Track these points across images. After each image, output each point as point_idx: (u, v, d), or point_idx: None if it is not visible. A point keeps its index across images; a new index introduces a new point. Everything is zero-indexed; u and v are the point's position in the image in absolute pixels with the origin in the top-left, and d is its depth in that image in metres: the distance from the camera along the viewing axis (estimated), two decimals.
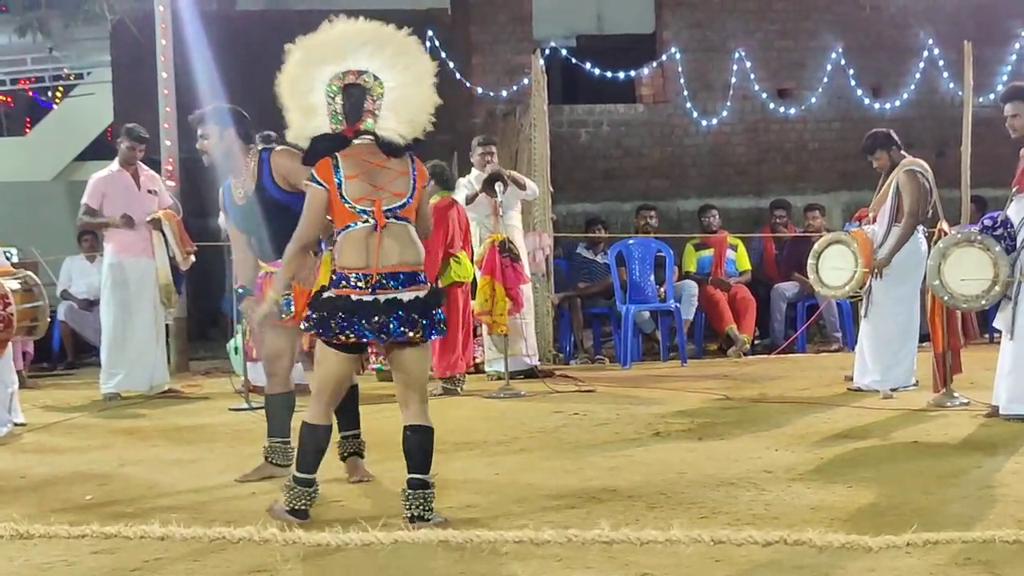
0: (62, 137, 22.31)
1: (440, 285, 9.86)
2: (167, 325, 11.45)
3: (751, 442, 7.85)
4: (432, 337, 5.80)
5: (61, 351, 14.18)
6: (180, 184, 12.64)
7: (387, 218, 5.66)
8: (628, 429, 8.48)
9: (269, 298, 6.19)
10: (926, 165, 9.91)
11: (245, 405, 9.89)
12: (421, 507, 5.66)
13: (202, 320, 14.63)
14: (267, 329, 6.82)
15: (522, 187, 11.33)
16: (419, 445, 5.77)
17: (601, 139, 15.64)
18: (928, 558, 4.90)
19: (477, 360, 11.86)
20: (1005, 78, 15.27)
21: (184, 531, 5.58)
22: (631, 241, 13.40)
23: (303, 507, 5.78)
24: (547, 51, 14.38)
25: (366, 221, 5.64)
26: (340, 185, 5.65)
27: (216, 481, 6.99)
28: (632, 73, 15.67)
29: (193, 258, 11.11)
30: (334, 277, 5.72)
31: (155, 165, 11.89)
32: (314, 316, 5.67)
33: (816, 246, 9.98)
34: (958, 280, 8.31)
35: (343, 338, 5.62)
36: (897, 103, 15.64)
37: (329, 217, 5.82)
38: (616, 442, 8.00)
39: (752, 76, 15.68)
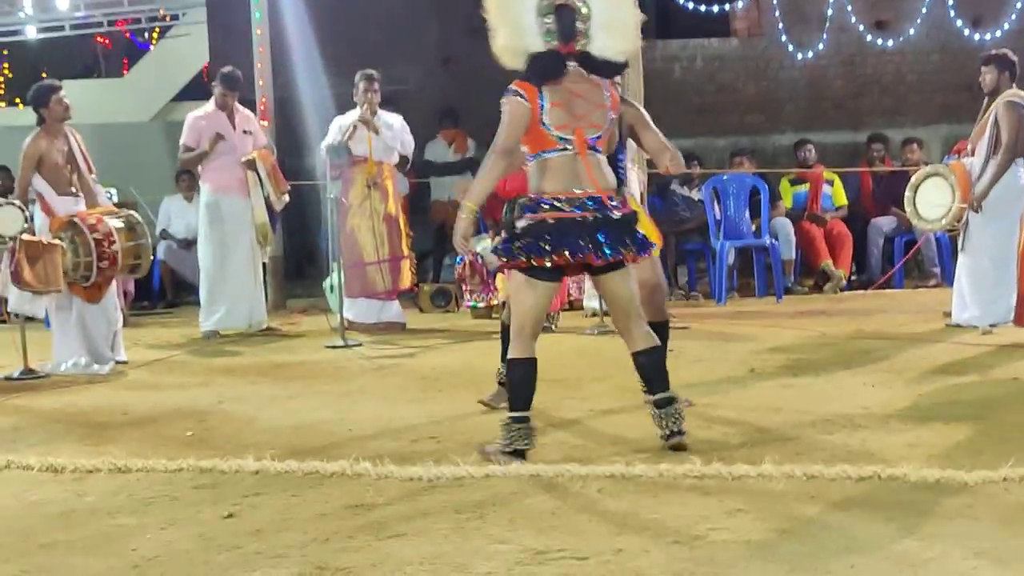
0: (159, 78, 22.44)
1: None
2: (264, 264, 11.56)
3: (847, 378, 7.81)
4: (643, 255, 5.82)
5: (161, 290, 14.40)
6: (274, 124, 12.72)
7: (587, 147, 5.70)
8: (723, 366, 8.46)
9: (464, 207, 5.82)
10: None
11: (341, 342, 9.99)
12: (675, 423, 5.78)
13: (299, 258, 14.77)
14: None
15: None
16: (655, 366, 5.88)
17: (695, 74, 15.51)
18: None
19: (572, 298, 11.88)
20: None
21: (277, 465, 5.67)
22: (725, 177, 13.31)
23: (524, 446, 5.66)
24: None
25: (564, 149, 5.68)
26: (543, 109, 5.67)
27: (314, 417, 7.08)
28: (726, 6, 15.50)
29: (287, 198, 11.20)
30: (529, 204, 5.71)
31: (250, 105, 11.97)
32: (512, 246, 5.67)
33: (913, 179, 9.87)
34: None
35: (556, 258, 5.57)
36: (998, 33, 15.31)
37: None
38: (711, 379, 7.98)
39: (849, 8, 15.43)
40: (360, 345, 10.06)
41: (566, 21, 5.69)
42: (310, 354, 9.76)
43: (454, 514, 4.85)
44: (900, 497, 4.88)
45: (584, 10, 5.71)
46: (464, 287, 11.86)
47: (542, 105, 5.66)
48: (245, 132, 11.12)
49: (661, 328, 6.67)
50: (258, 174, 10.88)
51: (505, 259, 5.73)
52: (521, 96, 5.68)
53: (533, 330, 5.76)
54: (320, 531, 4.68)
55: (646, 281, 6.65)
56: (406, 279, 11.31)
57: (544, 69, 5.70)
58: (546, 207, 5.64)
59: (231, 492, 5.33)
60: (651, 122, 6.41)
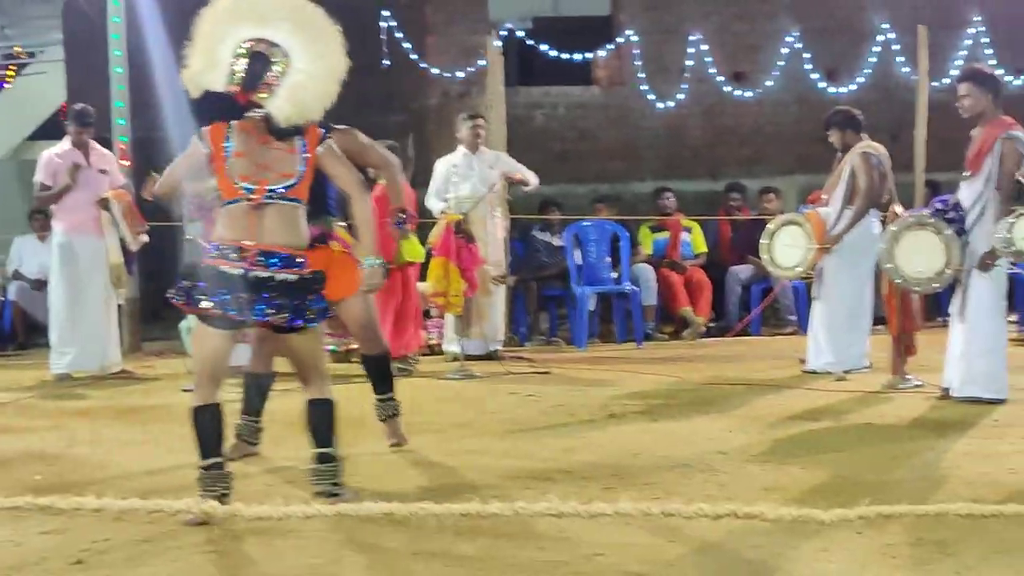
0: (13, 116, 22.04)
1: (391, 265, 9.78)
2: (119, 305, 11.34)
3: (705, 423, 7.87)
4: (300, 325, 5.57)
5: (12, 332, 14.07)
6: (134, 164, 12.52)
7: (272, 199, 5.52)
8: (583, 410, 8.47)
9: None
10: (882, 149, 9.93)
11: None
12: (329, 481, 5.66)
13: (155, 300, 14.46)
14: None
15: (524, 184, 11.45)
16: (321, 417, 5.75)
17: (557, 121, 15.61)
18: (881, 537, 4.92)
19: (432, 342, 11.85)
20: (959, 63, 15.30)
21: (121, 504, 5.52)
22: (586, 223, 13.40)
23: (222, 492, 5.50)
24: (503, 33, 14.32)
25: (249, 199, 5.51)
26: (227, 159, 5.55)
27: (167, 462, 6.93)
28: (588, 55, 15.63)
29: (145, 238, 11.00)
30: (209, 248, 5.57)
31: (107, 144, 11.77)
32: (181, 285, 5.53)
33: (769, 226, 9.99)
34: (911, 263, 8.34)
35: (204, 307, 5.43)
36: (852, 87, 15.65)
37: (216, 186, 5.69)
38: (570, 423, 7.99)
39: (708, 59, 15.66)
40: None
41: (256, 69, 5.47)
42: (166, 397, 9.57)
43: (309, 560, 4.77)
44: (758, 541, 4.91)
45: (278, 67, 5.49)
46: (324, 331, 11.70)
47: (227, 155, 5.55)
48: (101, 171, 10.93)
49: (381, 359, 6.88)
50: (112, 214, 10.68)
51: (170, 295, 5.61)
52: (203, 141, 5.60)
53: (210, 377, 5.59)
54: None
55: (357, 318, 6.86)
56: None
57: (212, 111, 5.55)
58: (214, 254, 5.49)
59: (79, 538, 5.19)
60: (367, 145, 6.42)
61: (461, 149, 11.44)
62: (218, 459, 5.57)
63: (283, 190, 5.57)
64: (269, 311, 5.47)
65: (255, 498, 5.62)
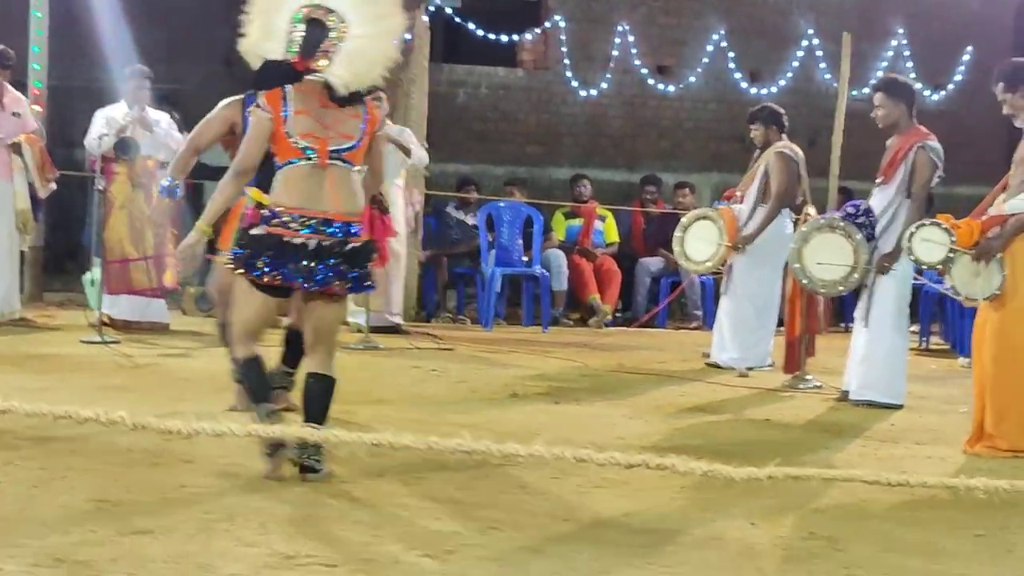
0: None
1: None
2: (22, 252, 11.17)
3: (606, 409, 7.92)
4: (358, 292, 5.74)
5: None
6: (48, 111, 12.34)
7: (332, 159, 5.52)
8: (485, 389, 8.50)
9: (198, 227, 5.75)
10: (799, 150, 10.03)
11: (98, 338, 9.72)
12: (313, 456, 5.47)
13: (60, 251, 14.31)
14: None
15: (407, 153, 11.24)
16: (319, 394, 5.65)
17: (479, 101, 15.57)
18: (774, 530, 4.98)
19: None
20: (880, 73, 15.47)
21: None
22: (501, 204, 13.41)
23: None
24: (431, 9, 14.26)
25: (309, 159, 5.49)
26: (286, 118, 5.50)
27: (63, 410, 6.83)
28: (515, 37, 15.62)
29: (54, 186, 10.85)
30: (266, 213, 5.53)
31: (21, 88, 11.58)
32: (240, 253, 5.51)
33: (683, 220, 10.05)
34: (818, 264, 8.43)
35: (267, 279, 5.44)
36: (774, 89, 15.76)
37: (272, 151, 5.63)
38: (472, 400, 8.01)
39: (633, 51, 15.70)
40: (118, 343, 9.79)
41: (313, 36, 5.50)
42: (64, 348, 9.46)
43: (202, 515, 4.74)
44: (654, 525, 4.96)
45: (335, 33, 5.51)
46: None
47: (285, 114, 5.51)
48: (14, 114, 10.74)
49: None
50: (23, 159, 10.51)
51: (230, 264, 5.64)
52: (262, 107, 5.56)
53: (252, 337, 5.67)
54: (62, 523, 4.53)
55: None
56: (169, 276, 11.06)
57: (271, 79, 5.56)
58: (277, 222, 5.47)
59: None
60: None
61: None
62: (270, 404, 5.59)
63: (345, 151, 5.56)
64: (333, 279, 5.47)
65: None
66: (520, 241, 13.25)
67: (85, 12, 13.91)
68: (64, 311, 11.79)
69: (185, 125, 13.12)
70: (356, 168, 5.68)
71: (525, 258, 13.22)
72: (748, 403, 8.54)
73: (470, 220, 13.54)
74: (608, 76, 15.64)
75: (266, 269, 5.43)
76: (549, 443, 6.41)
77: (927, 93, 15.81)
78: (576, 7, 15.68)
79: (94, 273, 10.75)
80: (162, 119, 11.08)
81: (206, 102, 14.42)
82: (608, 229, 14.17)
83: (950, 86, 16.36)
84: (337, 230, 5.48)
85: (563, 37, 15.53)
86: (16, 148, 10.52)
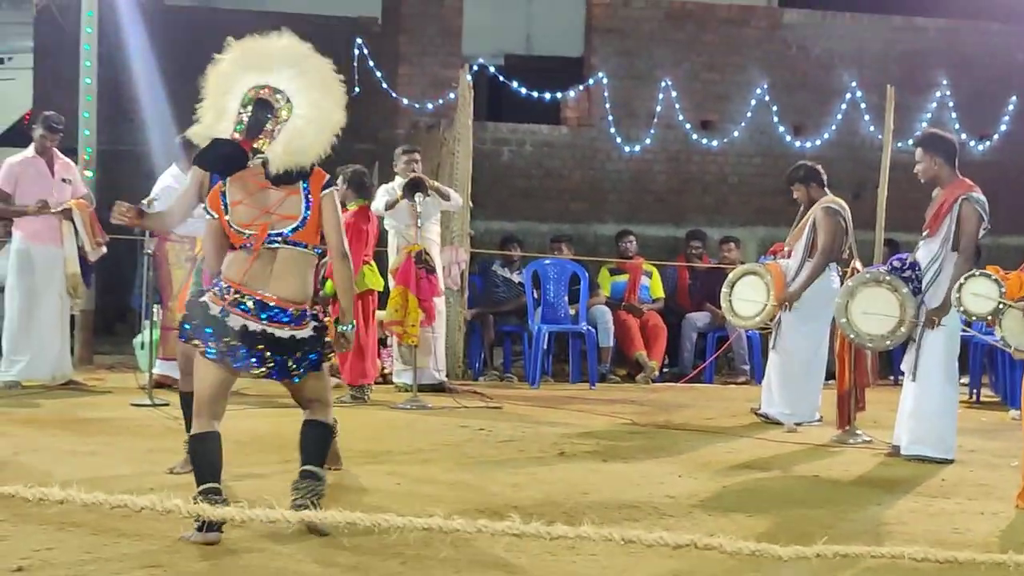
0: None
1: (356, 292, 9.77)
2: (73, 316, 11.29)
3: (654, 467, 7.88)
4: (276, 377, 5.63)
5: None
6: (98, 175, 12.48)
7: (274, 243, 5.56)
8: (533, 447, 8.48)
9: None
10: (844, 204, 10.02)
11: (148, 401, 9.77)
12: (309, 497, 5.54)
13: (109, 314, 14.44)
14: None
15: (445, 197, 11.32)
16: (315, 438, 5.75)
17: (523, 158, 15.64)
18: None
19: (386, 371, 11.83)
20: (924, 124, 15.47)
21: (84, 496, 5.44)
22: (547, 261, 13.43)
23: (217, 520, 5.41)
24: (475, 67, 14.36)
25: (250, 246, 5.56)
26: (227, 211, 5.59)
27: (113, 472, 6.89)
28: (558, 95, 15.69)
29: (104, 249, 10.96)
30: (213, 284, 5.66)
31: (72, 155, 11.73)
32: (187, 325, 5.59)
33: (730, 276, 10.04)
34: (865, 319, 8.39)
35: (192, 345, 5.52)
36: (818, 142, 15.76)
37: None
38: (520, 459, 7.99)
39: (677, 106, 15.75)
40: (167, 404, 9.82)
41: (258, 118, 5.56)
42: (114, 411, 9.52)
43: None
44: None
45: (285, 113, 5.57)
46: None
47: (225, 207, 5.60)
48: (64, 180, 10.88)
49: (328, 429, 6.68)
50: (74, 224, 10.64)
51: (180, 335, 5.68)
52: (209, 214, 5.72)
53: (209, 408, 5.59)
54: None
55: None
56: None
57: (218, 157, 5.60)
58: (214, 291, 5.56)
59: (22, 545, 5.15)
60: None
61: (398, 180, 11.33)
62: (215, 484, 5.51)
63: (288, 233, 5.59)
64: (252, 362, 5.50)
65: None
66: (566, 298, 13.24)
67: (132, 76, 14.10)
68: (114, 374, 11.87)
69: None
70: (309, 249, 5.68)
71: (572, 314, 13.22)
72: (797, 459, 8.49)
73: (516, 278, 13.55)
74: (652, 132, 15.68)
75: (193, 335, 5.51)
76: (598, 504, 6.44)
77: (972, 144, 15.76)
78: (619, 64, 15.74)
79: (143, 336, 10.83)
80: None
81: None
82: (654, 285, 14.15)
83: (995, 136, 16.30)
84: (268, 314, 5.50)
85: (606, 94, 15.59)
86: (67, 214, 10.64)
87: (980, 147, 16.06)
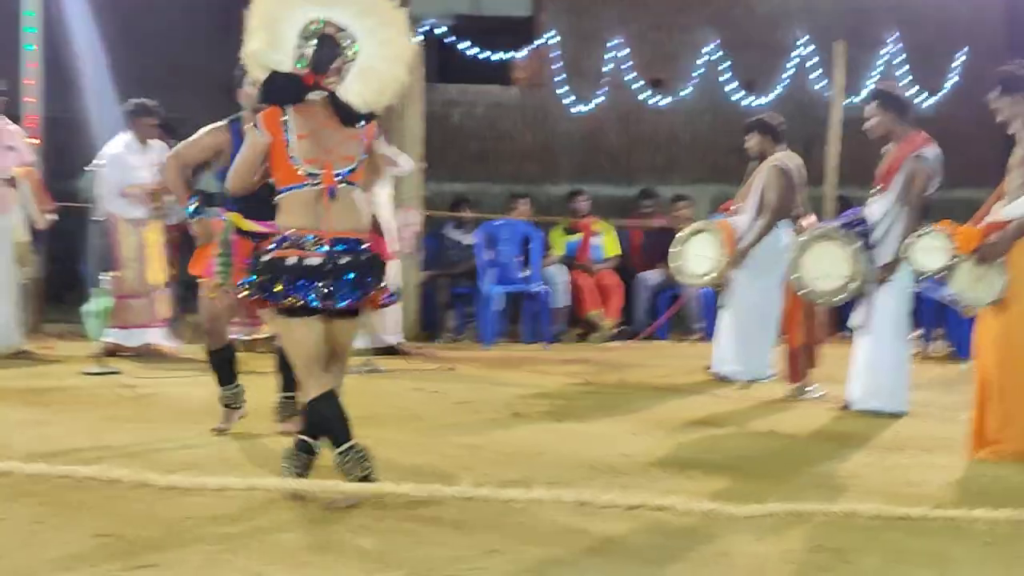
0: None
1: None
2: (22, 285, 11.17)
3: (610, 426, 7.89)
4: (385, 305, 5.70)
5: None
6: (44, 143, 12.33)
7: (337, 183, 5.51)
8: (487, 409, 8.46)
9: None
10: (798, 159, 10.01)
11: (99, 369, 9.70)
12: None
13: (59, 283, 14.29)
14: (205, 291, 6.94)
15: (392, 163, 11.25)
16: (335, 408, 5.59)
17: (474, 120, 15.58)
18: (781, 543, 4.96)
19: None
20: (874, 80, 15.50)
21: (27, 468, 5.43)
22: (499, 222, 13.39)
23: (367, 471, 5.40)
24: (423, 29, 14.27)
25: (315, 184, 5.47)
26: (288, 143, 5.48)
27: (67, 444, 6.81)
28: (508, 56, 15.63)
29: (52, 217, 10.85)
30: (276, 238, 5.50)
31: (17, 121, 11.57)
32: (256, 280, 5.44)
33: (681, 234, 10.03)
34: (817, 274, 8.41)
35: (286, 301, 5.37)
36: (768, 99, 15.78)
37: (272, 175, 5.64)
38: (475, 421, 7.98)
39: (626, 65, 15.71)
40: (119, 372, 9.77)
41: (325, 53, 5.48)
42: (66, 380, 9.43)
43: (208, 547, 4.72)
44: (657, 541, 4.94)
45: (348, 52, 5.51)
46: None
47: (287, 137, 5.48)
48: (9, 148, 10.74)
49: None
50: (20, 192, 10.51)
51: (245, 294, 5.54)
52: (260, 130, 5.52)
53: (316, 366, 5.51)
54: (65, 560, 4.50)
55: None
56: (165, 309, 11.13)
57: (280, 91, 5.50)
58: (287, 244, 5.44)
59: None
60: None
61: None
62: (352, 441, 5.46)
63: (346, 173, 5.54)
64: (356, 294, 5.44)
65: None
66: (519, 258, 13.22)
67: (78, 43, 13.93)
68: (64, 342, 11.76)
69: None
70: (357, 187, 5.65)
71: (525, 275, 13.19)
72: (752, 415, 8.52)
73: (468, 239, 13.52)
74: (602, 91, 15.65)
75: (282, 290, 5.37)
76: (552, 463, 6.44)
77: (922, 98, 15.80)
78: (568, 24, 15.70)
79: (94, 303, 10.72)
80: (162, 148, 11.10)
81: None
82: (607, 243, 14.14)
83: (944, 90, 16.34)
84: (348, 247, 5.46)
85: (556, 54, 15.54)
86: (12, 182, 10.52)
87: (930, 101, 16.10)
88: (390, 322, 11.33)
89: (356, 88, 5.53)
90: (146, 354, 10.82)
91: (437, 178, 14.16)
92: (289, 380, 6.91)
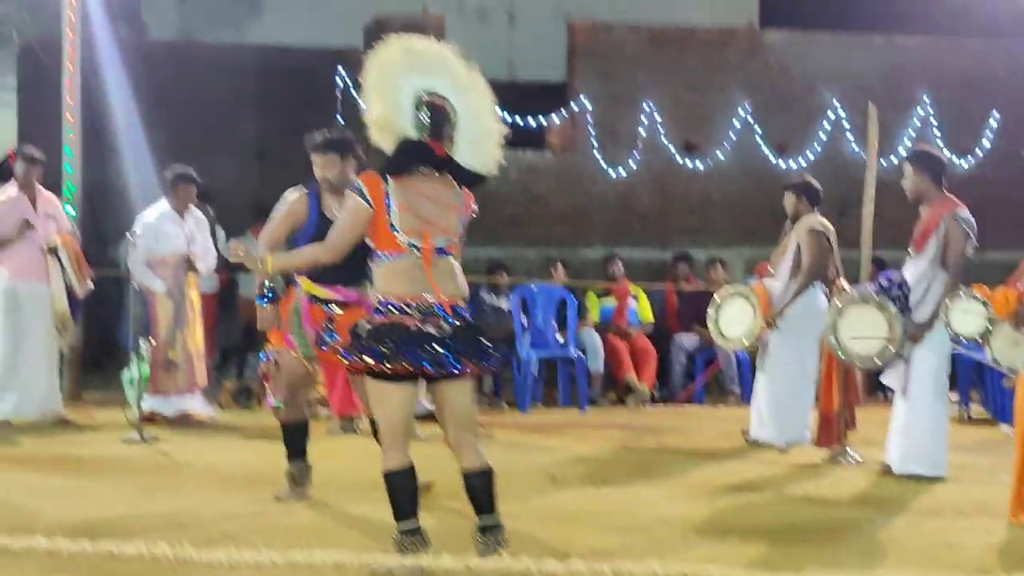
0: None
1: None
2: (61, 353, 11.26)
3: (648, 491, 7.87)
4: (488, 365, 5.66)
5: None
6: (82, 211, 12.46)
7: (435, 255, 5.56)
8: (525, 475, 8.44)
9: (265, 258, 5.91)
10: (828, 224, 10.02)
11: (138, 437, 9.74)
12: (498, 549, 5.55)
13: (97, 349, 14.39)
14: (288, 358, 7.03)
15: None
16: (484, 488, 5.71)
17: (508, 185, 15.63)
18: None
19: None
20: (907, 142, 15.55)
21: (70, 545, 5.45)
22: (534, 287, 13.41)
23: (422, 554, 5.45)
24: None
25: (412, 255, 5.53)
26: (390, 211, 5.53)
27: (106, 512, 6.86)
28: (542, 120, 15.72)
29: (91, 285, 10.95)
30: (379, 305, 5.56)
31: (56, 191, 11.70)
32: (363, 346, 5.46)
33: (716, 297, 10.05)
34: (853, 339, 8.40)
35: (397, 367, 5.40)
36: (802, 161, 15.80)
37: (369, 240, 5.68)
38: (512, 487, 7.94)
39: (660, 128, 15.79)
40: (157, 440, 9.81)
41: (439, 121, 5.57)
42: (104, 448, 9.47)
43: None
44: None
45: (453, 117, 5.60)
46: (267, 385, 11.70)
47: (388, 206, 5.52)
48: (48, 216, 10.85)
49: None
50: (60, 260, 10.62)
51: (347, 362, 5.54)
52: (364, 196, 5.54)
53: (403, 436, 5.57)
54: None
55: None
56: (201, 377, 11.19)
57: (412, 157, 5.55)
58: (392, 311, 5.47)
59: None
60: None
61: None
62: (415, 523, 5.53)
63: (443, 245, 5.60)
64: (462, 358, 5.48)
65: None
66: (554, 323, 13.23)
67: (116, 110, 14.12)
68: (103, 410, 11.81)
69: (219, 219, 13.30)
70: (455, 257, 5.72)
71: (560, 340, 13.20)
72: (789, 479, 8.49)
73: (503, 304, 13.54)
74: (636, 155, 15.72)
75: (390, 354, 5.39)
76: (590, 530, 6.42)
77: (955, 159, 15.80)
78: (602, 88, 15.79)
79: (132, 371, 10.79)
80: (199, 217, 11.22)
81: (240, 196, 14.69)
82: (642, 307, 14.13)
83: (978, 151, 16.35)
84: (451, 313, 5.51)
85: (590, 118, 15.63)
86: (53, 250, 10.62)
87: (963, 163, 16.11)
88: (424, 388, 11.32)
89: (469, 153, 5.65)
90: (183, 421, 10.84)
91: (472, 242, 14.18)
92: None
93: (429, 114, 5.57)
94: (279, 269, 5.96)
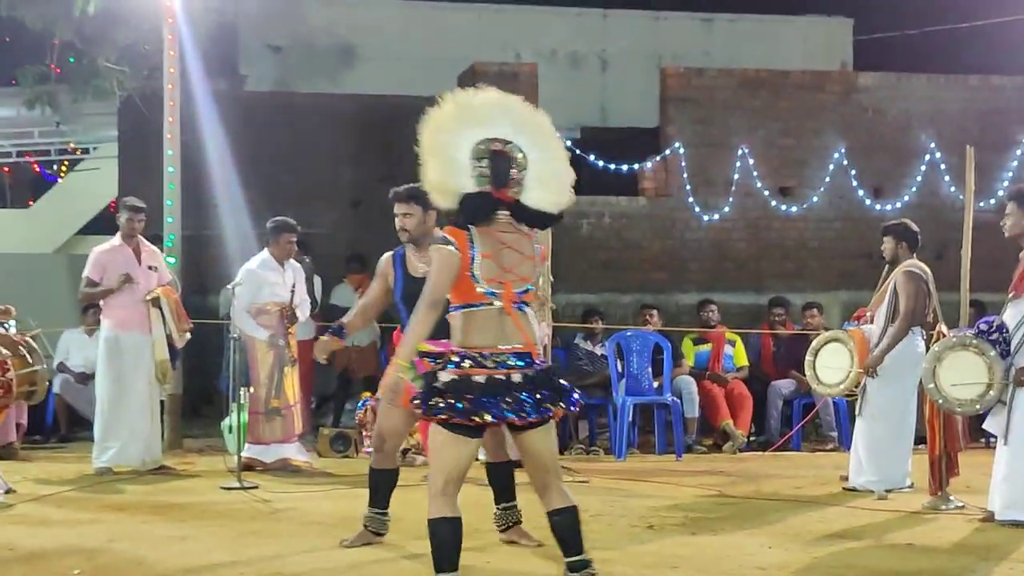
0: (65, 210, 22.37)
1: None
2: (161, 401, 11.43)
3: (745, 538, 7.82)
4: (569, 405, 5.61)
5: (55, 424, 14.10)
6: (181, 261, 12.67)
7: (514, 303, 5.58)
8: (622, 521, 8.43)
9: (396, 363, 5.71)
10: (926, 268, 9.93)
11: (237, 484, 9.85)
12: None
13: (197, 397, 14.60)
14: (386, 405, 7.02)
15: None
16: (570, 526, 5.65)
17: (602, 230, 15.69)
18: None
19: None
20: (1006, 183, 15.38)
21: None
22: (629, 333, 13.40)
23: None
24: None
25: (491, 304, 5.54)
26: (473, 261, 5.54)
27: (205, 560, 6.94)
28: (635, 166, 15.76)
29: (189, 335, 11.11)
30: (454, 357, 5.53)
31: (157, 241, 11.92)
32: (439, 399, 5.44)
33: (814, 344, 10.00)
34: (953, 383, 8.31)
35: (475, 419, 5.38)
36: (898, 204, 15.70)
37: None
38: (609, 534, 7.95)
39: (754, 173, 15.76)
40: (256, 487, 9.91)
41: (501, 167, 5.57)
42: (204, 495, 9.59)
43: None
44: None
45: (520, 159, 5.61)
46: (364, 432, 11.81)
47: (472, 255, 5.53)
48: (150, 268, 11.04)
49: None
50: (161, 311, 10.79)
51: (423, 412, 5.52)
52: (452, 245, 5.55)
53: (455, 487, 5.54)
54: None
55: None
56: (299, 424, 11.30)
57: (476, 210, 5.57)
58: (470, 363, 5.46)
59: None
60: None
61: None
62: (455, 574, 5.52)
63: (522, 293, 5.64)
64: (544, 404, 5.48)
65: None
66: (650, 369, 13.20)
67: (214, 161, 14.36)
68: (203, 457, 11.98)
69: (317, 269, 13.45)
70: (529, 307, 5.73)
71: (656, 386, 13.17)
72: (889, 527, 8.38)
73: (599, 350, 13.55)
74: (730, 200, 15.71)
75: (470, 408, 5.37)
76: None
77: None
78: (695, 133, 15.81)
79: (231, 419, 10.93)
80: (296, 266, 11.37)
81: (336, 245, 14.86)
82: (737, 353, 14.08)
83: None
84: (526, 363, 5.51)
85: (683, 163, 15.64)
86: (155, 302, 10.80)
87: None
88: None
89: (537, 194, 5.66)
90: (282, 469, 10.94)
91: (566, 289, 14.27)
92: (500, 490, 7.02)
93: (490, 163, 5.58)
94: (411, 356, 5.83)
